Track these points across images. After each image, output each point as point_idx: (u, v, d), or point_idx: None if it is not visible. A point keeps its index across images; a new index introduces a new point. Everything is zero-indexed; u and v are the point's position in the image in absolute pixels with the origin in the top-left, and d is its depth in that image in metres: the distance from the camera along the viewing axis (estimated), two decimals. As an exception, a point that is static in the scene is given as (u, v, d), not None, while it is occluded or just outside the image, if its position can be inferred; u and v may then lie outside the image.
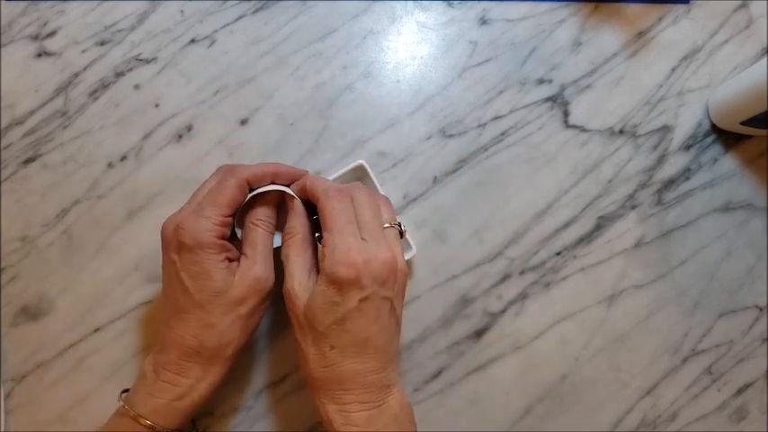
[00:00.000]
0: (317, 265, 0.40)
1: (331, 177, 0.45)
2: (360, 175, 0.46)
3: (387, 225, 0.39)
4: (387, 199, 0.42)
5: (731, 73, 0.50)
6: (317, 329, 0.36)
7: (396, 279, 0.37)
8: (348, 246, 0.36)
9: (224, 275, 0.38)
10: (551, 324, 0.46)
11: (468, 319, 0.46)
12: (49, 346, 0.46)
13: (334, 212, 0.37)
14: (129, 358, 0.46)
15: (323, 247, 0.37)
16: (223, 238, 0.38)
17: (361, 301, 0.35)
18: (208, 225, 0.37)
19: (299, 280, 0.38)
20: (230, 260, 0.39)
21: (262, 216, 0.40)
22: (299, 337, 0.38)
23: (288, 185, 0.42)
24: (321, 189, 0.39)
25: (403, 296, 0.39)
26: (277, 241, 0.42)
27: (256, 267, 0.39)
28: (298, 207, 0.41)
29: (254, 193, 0.40)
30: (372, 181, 0.45)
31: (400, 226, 0.40)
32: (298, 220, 0.40)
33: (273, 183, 0.41)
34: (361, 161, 0.45)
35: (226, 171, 0.40)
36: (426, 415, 0.46)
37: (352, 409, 0.36)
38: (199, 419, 0.45)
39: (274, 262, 0.41)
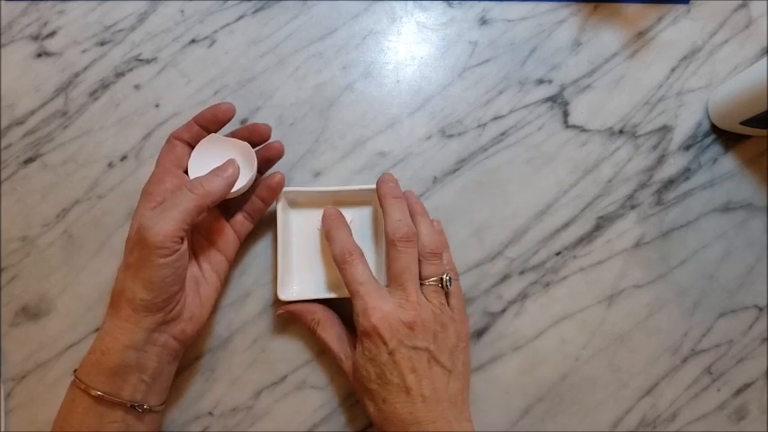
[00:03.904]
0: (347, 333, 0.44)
1: (350, 188, 0.46)
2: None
3: (426, 282, 0.41)
4: (438, 248, 0.42)
5: (731, 73, 0.50)
6: (369, 387, 0.39)
7: (425, 331, 0.39)
8: (366, 304, 0.39)
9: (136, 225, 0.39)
10: (551, 324, 0.46)
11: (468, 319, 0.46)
12: (48, 346, 0.46)
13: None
14: (129, 358, 0.46)
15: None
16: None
17: (389, 353, 0.38)
18: (151, 177, 0.42)
19: (341, 354, 0.42)
20: None
21: (193, 181, 0.39)
22: (360, 400, 0.41)
23: (215, 128, 0.43)
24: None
25: (455, 348, 0.40)
26: (239, 183, 0.41)
27: (144, 217, 0.37)
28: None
29: (195, 150, 0.42)
30: None
31: (442, 282, 0.41)
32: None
33: (211, 132, 0.43)
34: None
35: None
36: (426, 415, 0.46)
37: None
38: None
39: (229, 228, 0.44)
